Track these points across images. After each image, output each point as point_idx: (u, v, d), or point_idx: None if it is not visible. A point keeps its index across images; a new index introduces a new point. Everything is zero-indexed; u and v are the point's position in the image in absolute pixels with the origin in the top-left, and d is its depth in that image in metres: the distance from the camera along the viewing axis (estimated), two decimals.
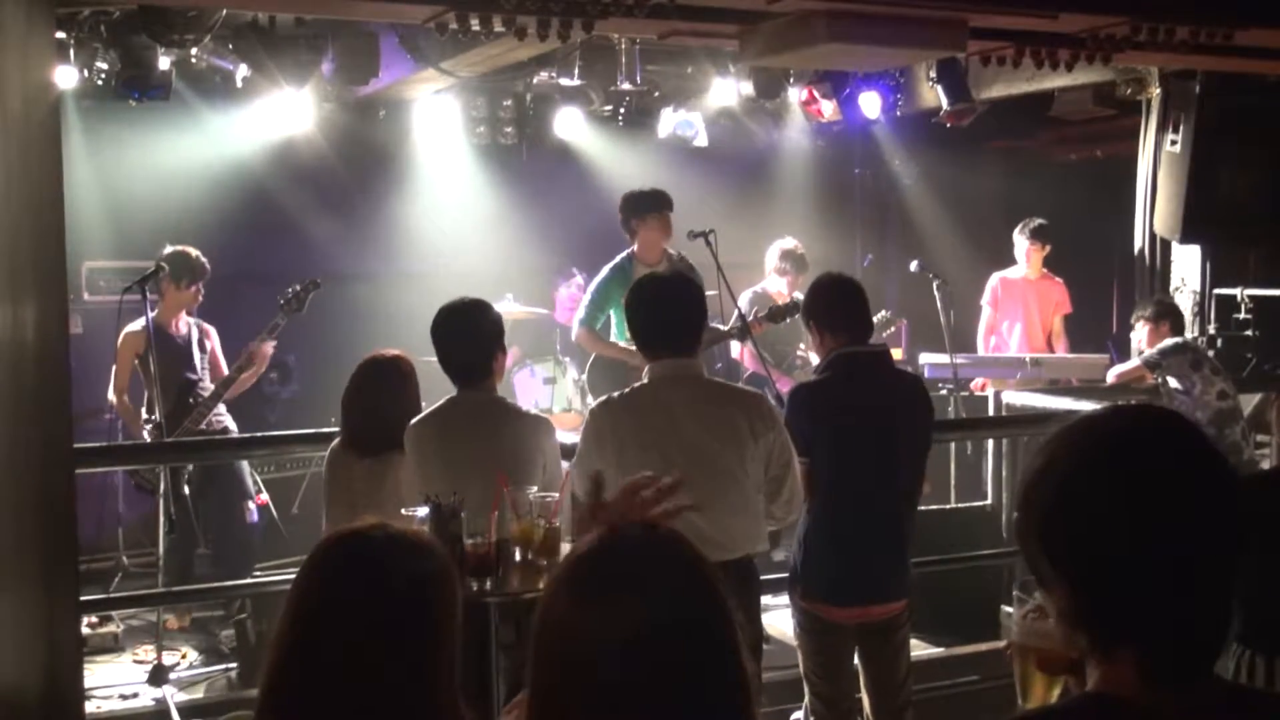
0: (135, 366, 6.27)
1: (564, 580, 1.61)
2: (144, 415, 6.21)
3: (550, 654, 1.58)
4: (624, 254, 6.43)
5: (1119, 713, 1.40)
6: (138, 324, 6.20)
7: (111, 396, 6.32)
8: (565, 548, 3.76)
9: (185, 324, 6.46)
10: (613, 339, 6.38)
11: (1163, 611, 1.41)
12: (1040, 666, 1.79)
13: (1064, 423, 1.50)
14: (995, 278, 8.10)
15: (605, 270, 6.42)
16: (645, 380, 3.86)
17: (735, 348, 7.23)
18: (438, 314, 4.05)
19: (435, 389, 4.22)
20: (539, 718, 1.59)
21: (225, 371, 6.43)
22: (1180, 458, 1.46)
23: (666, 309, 3.88)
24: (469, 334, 4.02)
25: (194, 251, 6.40)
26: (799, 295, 6.56)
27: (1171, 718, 1.40)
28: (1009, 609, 5.50)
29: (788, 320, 6.63)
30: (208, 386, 6.39)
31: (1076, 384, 7.65)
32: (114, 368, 6.28)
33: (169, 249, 6.38)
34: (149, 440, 6.08)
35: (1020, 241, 7.94)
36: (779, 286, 7.33)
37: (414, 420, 4.02)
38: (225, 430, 6.43)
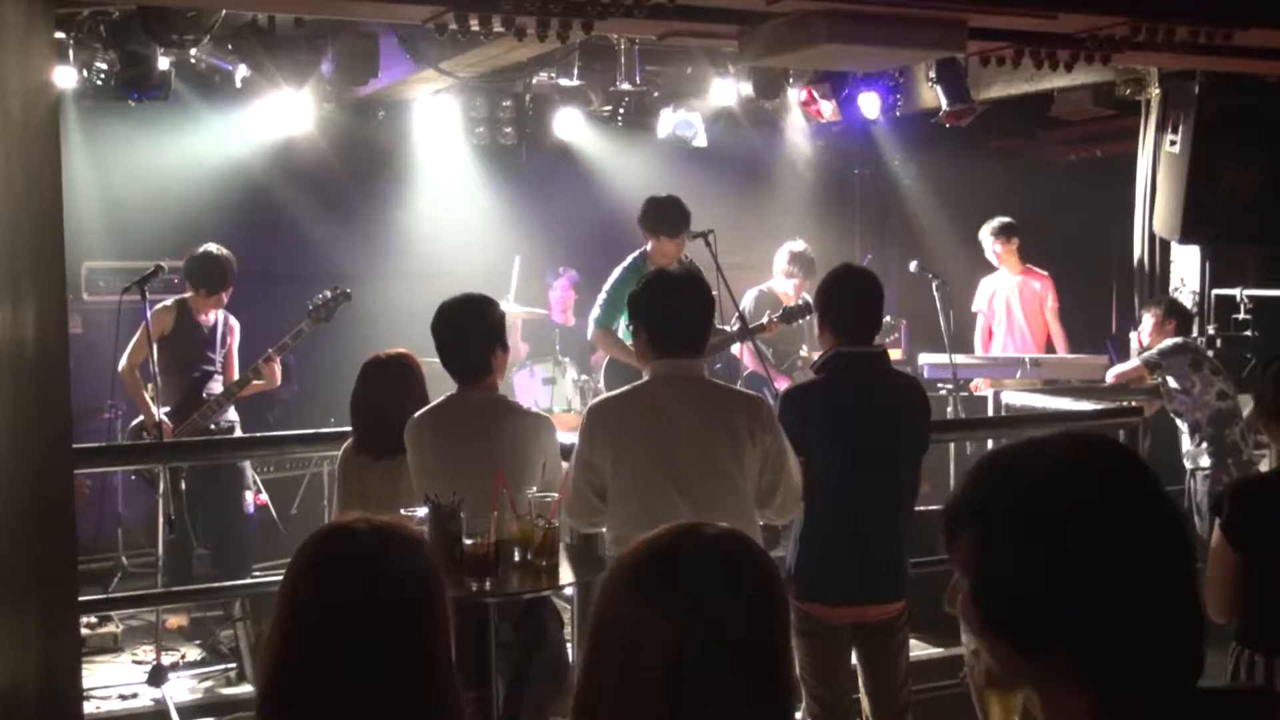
0: (151, 349, 6.12)
1: (629, 573, 1.60)
2: (150, 392, 6.18)
3: (607, 645, 1.58)
4: (637, 253, 6.41)
5: None
6: (168, 301, 6.29)
7: (121, 367, 6.27)
8: (564, 549, 3.78)
9: (214, 315, 6.48)
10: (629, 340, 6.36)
11: (1166, 650, 1.36)
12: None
13: (1025, 480, 1.41)
14: (982, 283, 8.15)
15: (618, 271, 6.39)
16: (645, 379, 3.85)
17: (735, 345, 7.23)
18: (437, 310, 4.04)
19: (437, 390, 4.21)
20: (587, 707, 1.59)
21: (236, 372, 6.44)
22: (1151, 491, 1.40)
23: (675, 308, 3.86)
24: (466, 330, 4.01)
25: (216, 252, 6.36)
26: (807, 297, 6.57)
27: None
28: None
29: (801, 322, 6.64)
30: (220, 381, 6.40)
31: (1076, 384, 7.65)
32: (133, 339, 6.24)
33: (197, 250, 6.38)
34: (151, 431, 6.07)
35: (987, 242, 7.96)
36: (786, 288, 7.32)
37: (413, 416, 4.02)
38: (231, 427, 6.43)
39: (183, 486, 5.96)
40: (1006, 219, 7.95)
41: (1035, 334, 8.02)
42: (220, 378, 6.44)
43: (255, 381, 6.32)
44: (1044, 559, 1.36)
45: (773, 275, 7.44)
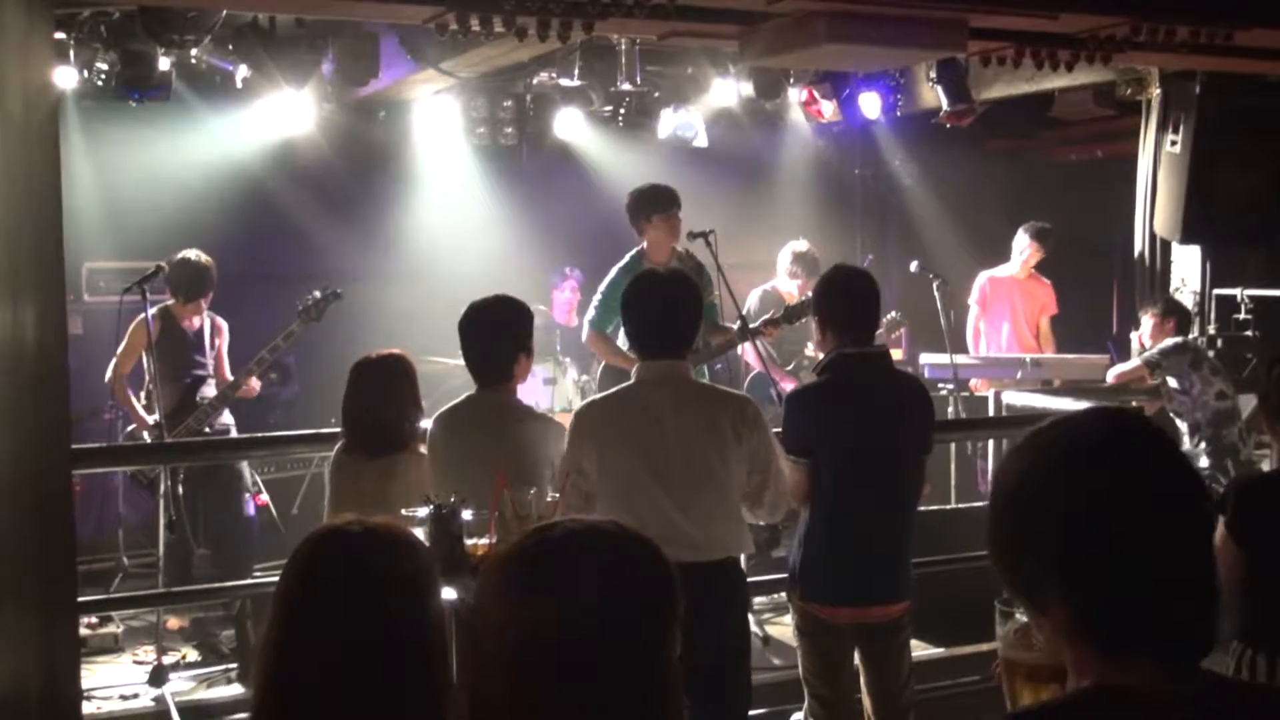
0: (142, 356, 6.17)
1: (494, 576, 1.59)
2: (143, 403, 6.19)
3: (479, 649, 1.56)
4: (633, 252, 6.35)
5: (1123, 702, 1.42)
6: (152, 311, 6.24)
7: (109, 378, 6.29)
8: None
9: (198, 320, 6.46)
10: (624, 341, 6.32)
11: (1159, 610, 1.43)
12: (1029, 678, 1.81)
13: (1030, 445, 1.53)
14: (983, 276, 8.13)
15: (615, 270, 6.32)
16: (632, 380, 3.86)
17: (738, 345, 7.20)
18: (466, 308, 4.04)
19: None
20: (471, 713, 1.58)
21: (226, 372, 6.44)
22: (1154, 459, 1.49)
23: (663, 310, 3.86)
24: (490, 333, 4.00)
25: (195, 259, 6.34)
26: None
27: (1173, 704, 1.42)
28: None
29: (802, 320, 6.62)
30: (213, 385, 6.39)
31: (1076, 384, 7.65)
32: (119, 349, 6.26)
33: (176, 256, 6.35)
34: (148, 436, 6.07)
35: (1023, 239, 7.94)
36: (790, 288, 7.32)
37: (433, 418, 4.06)
38: (226, 429, 6.43)
39: (179, 490, 5.96)
40: (1047, 225, 7.95)
41: (1035, 335, 8.04)
42: (213, 381, 6.45)
43: (238, 393, 6.33)
44: (1076, 517, 1.43)
45: (776, 275, 7.44)
